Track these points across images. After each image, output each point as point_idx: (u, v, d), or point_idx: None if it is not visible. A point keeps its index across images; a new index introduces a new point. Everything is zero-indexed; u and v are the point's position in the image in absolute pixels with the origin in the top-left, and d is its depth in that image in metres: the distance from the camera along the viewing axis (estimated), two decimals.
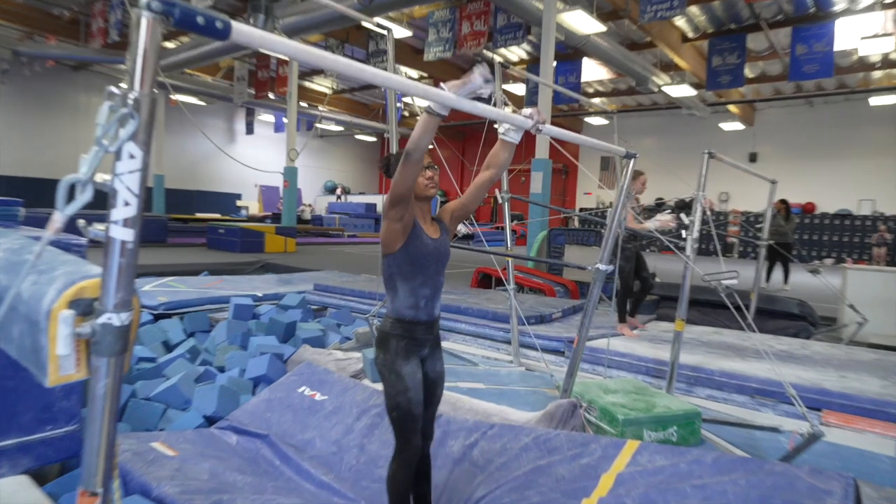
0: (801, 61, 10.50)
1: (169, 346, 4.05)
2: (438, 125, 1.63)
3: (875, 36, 10.34)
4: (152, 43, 0.95)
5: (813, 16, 10.81)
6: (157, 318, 4.66)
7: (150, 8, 0.93)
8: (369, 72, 1.29)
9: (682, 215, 3.32)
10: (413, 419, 1.82)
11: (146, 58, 0.94)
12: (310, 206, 21.53)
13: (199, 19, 0.97)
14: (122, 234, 0.98)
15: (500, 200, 4.12)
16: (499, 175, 2.02)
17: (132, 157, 0.97)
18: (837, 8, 10.55)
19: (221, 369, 3.62)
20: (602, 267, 2.67)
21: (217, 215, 19.11)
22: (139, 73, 0.95)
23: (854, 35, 10.40)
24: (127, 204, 0.97)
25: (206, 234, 12.76)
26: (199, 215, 18.47)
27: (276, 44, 1.05)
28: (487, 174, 1.99)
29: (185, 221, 16.66)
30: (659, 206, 17.90)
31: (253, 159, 19.40)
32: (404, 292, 1.83)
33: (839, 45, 10.34)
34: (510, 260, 4.25)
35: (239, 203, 21.79)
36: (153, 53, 0.95)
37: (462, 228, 3.97)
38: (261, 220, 18.12)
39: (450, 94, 1.53)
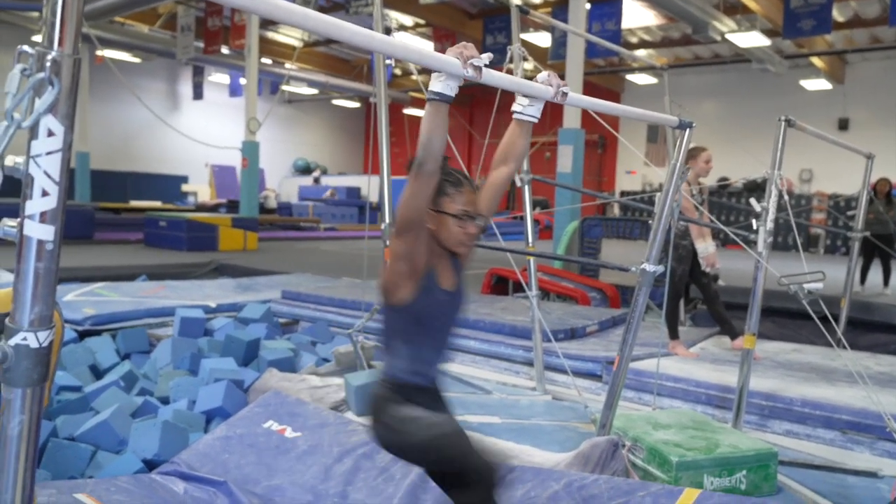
0: None
1: (98, 372, 4.07)
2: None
3: None
4: None
5: None
6: (83, 335, 4.69)
7: None
8: (348, 29, 1.30)
9: (753, 200, 3.33)
10: (464, 438, 1.73)
11: (67, 6, 0.95)
12: (274, 191, 21.62)
13: None
14: (40, 233, 0.99)
15: (518, 183, 4.13)
16: (518, 168, 1.98)
17: (51, 134, 0.98)
18: None
19: (165, 400, 3.64)
20: (649, 268, 2.68)
21: (157, 203, 19.22)
22: (58, 26, 0.96)
23: None
24: (45, 194, 0.99)
25: (143, 228, 12.83)
26: (134, 204, 18.59)
27: None
28: (505, 171, 1.94)
29: (117, 212, 16.76)
30: (723, 188, 17.90)
31: (203, 132, 19.46)
32: (404, 355, 1.82)
33: None
34: (532, 259, 4.25)
35: (185, 188, 21.90)
36: (77, 1, 0.96)
37: None
38: (213, 209, 18.19)
39: (455, 61, 1.52)
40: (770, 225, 3.27)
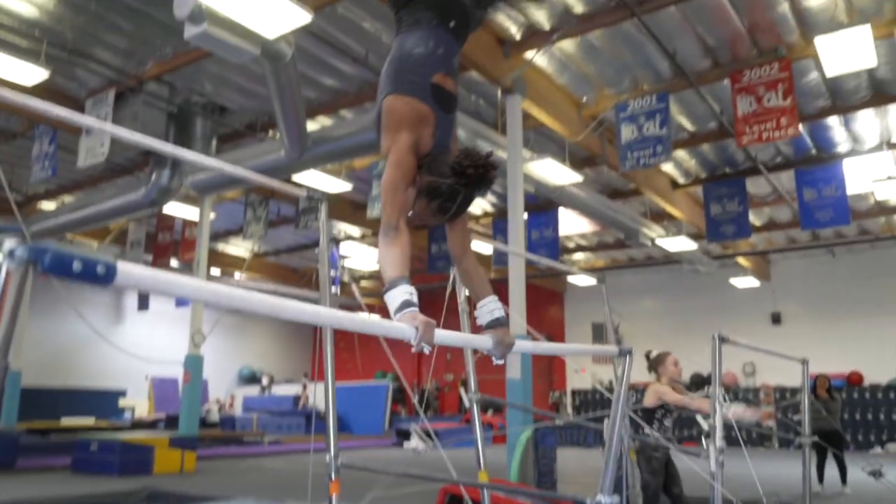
0: (811, 207, 11.49)
1: None
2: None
3: (889, 178, 11.49)
4: (14, 299, 0.97)
5: (816, 158, 12.08)
6: None
7: (13, 256, 0.97)
8: (310, 312, 1.34)
9: (700, 418, 3.35)
10: None
11: (6, 320, 0.96)
12: (218, 402, 20.87)
13: (76, 265, 1.01)
14: None
15: (466, 403, 4.09)
16: None
17: None
18: (841, 149, 11.84)
19: None
20: (605, 500, 2.60)
21: (91, 421, 18.18)
22: None
23: (867, 177, 11.54)
24: None
25: (72, 452, 12.00)
26: (65, 422, 17.54)
27: (174, 286, 1.09)
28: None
29: (45, 433, 15.74)
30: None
31: (146, 344, 19.07)
32: None
33: (852, 188, 11.40)
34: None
35: (122, 402, 20.97)
36: (12, 314, 0.96)
37: (419, 445, 3.90)
38: (151, 424, 17.34)
39: (411, 332, 1.63)
40: (720, 444, 3.27)
